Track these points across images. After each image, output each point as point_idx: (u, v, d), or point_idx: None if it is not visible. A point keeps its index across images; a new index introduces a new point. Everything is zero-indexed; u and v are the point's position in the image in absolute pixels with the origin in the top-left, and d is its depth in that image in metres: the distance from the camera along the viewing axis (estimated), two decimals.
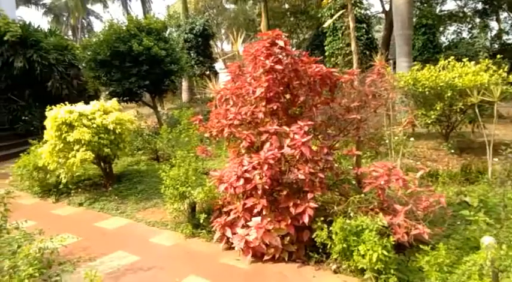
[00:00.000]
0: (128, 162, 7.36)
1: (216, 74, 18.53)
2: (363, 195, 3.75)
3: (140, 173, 6.87)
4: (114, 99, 6.52)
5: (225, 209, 4.28)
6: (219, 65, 21.78)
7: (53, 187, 6.14)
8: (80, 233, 4.64)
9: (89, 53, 9.97)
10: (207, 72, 17.05)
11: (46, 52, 10.14)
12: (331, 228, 3.49)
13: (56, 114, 5.59)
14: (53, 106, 5.91)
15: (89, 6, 35.03)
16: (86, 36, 34.31)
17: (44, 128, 10.34)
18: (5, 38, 9.61)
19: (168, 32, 12.08)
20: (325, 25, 8.98)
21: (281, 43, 4.03)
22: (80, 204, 5.68)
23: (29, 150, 6.77)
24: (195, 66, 16.29)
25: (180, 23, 17.43)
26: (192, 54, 16.17)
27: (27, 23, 10.49)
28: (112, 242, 4.44)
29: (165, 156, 7.79)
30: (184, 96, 17.87)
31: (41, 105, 10.48)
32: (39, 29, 10.56)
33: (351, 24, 4.90)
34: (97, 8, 36.38)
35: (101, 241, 4.47)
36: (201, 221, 4.35)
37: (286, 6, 23.46)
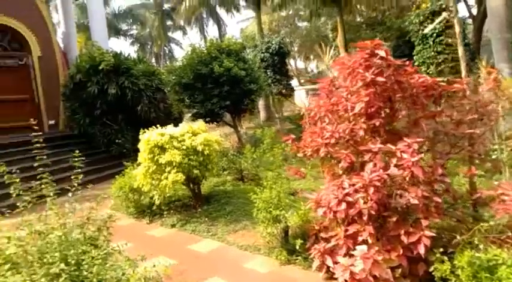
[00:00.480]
0: (214, 182, 7.34)
1: (292, 91, 18.41)
2: (491, 222, 3.20)
3: (227, 193, 6.79)
4: (201, 121, 6.57)
5: (322, 235, 3.95)
6: (294, 83, 21.68)
7: (147, 208, 6.28)
8: (175, 256, 4.58)
9: (173, 77, 10.37)
10: (284, 91, 16.98)
11: (136, 78, 10.71)
12: (454, 261, 2.99)
13: (148, 137, 5.73)
14: (145, 129, 6.07)
15: (169, 34, 37.27)
16: (168, 62, 36.45)
17: (135, 150, 10.94)
18: (100, 67, 10.34)
19: (246, 53, 12.26)
20: (426, 31, 8.45)
21: (382, 53, 3.67)
22: (173, 226, 5.70)
23: (124, 172, 7.03)
24: (272, 84, 16.28)
25: (256, 43, 17.65)
26: (268, 73, 16.21)
27: (119, 52, 11.20)
28: (206, 266, 4.31)
29: (249, 176, 7.68)
30: (262, 115, 17.92)
31: (132, 128, 11.06)
32: (129, 57, 11.25)
33: (457, 29, 4.38)
34: (177, 35, 38.60)
35: (196, 265, 4.36)
36: (297, 247, 4.05)
37: (360, 19, 22.85)
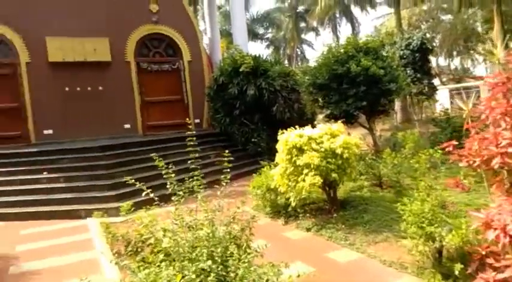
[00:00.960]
0: (350, 187, 6.95)
1: (434, 91, 16.69)
2: None
3: (364, 200, 6.34)
4: (340, 123, 6.24)
5: (491, 262, 3.27)
6: (435, 82, 19.67)
7: (282, 209, 6.24)
8: (312, 263, 4.38)
9: (308, 78, 10.24)
10: (425, 90, 15.48)
11: (272, 79, 10.92)
12: None
13: (286, 138, 5.65)
14: (283, 130, 6.02)
15: (302, 35, 37.57)
16: (299, 63, 36.82)
17: (269, 149, 11.17)
18: (241, 70, 10.82)
19: (384, 51, 11.47)
20: None
21: None
22: (308, 229, 5.52)
23: (260, 171, 7.13)
24: (412, 83, 14.96)
25: (395, 39, 16.46)
26: (408, 71, 14.94)
27: (257, 55, 11.55)
28: (347, 279, 4.00)
29: (388, 182, 7.07)
30: (398, 116, 16.68)
31: (267, 128, 11.33)
32: (267, 59, 11.53)
33: None
34: (309, 36, 38.73)
35: (335, 276, 4.09)
36: (456, 272, 3.46)
37: None
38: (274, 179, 5.84)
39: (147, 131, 12.57)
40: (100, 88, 11.70)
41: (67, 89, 11.32)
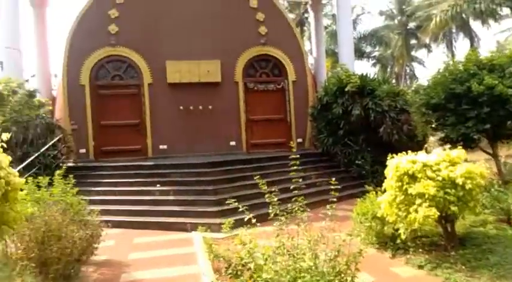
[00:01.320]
0: (471, 222, 6.07)
1: None
2: None
3: (489, 238, 5.47)
4: (460, 148, 5.52)
5: None
6: None
7: (390, 240, 5.70)
8: None
9: (420, 97, 9.44)
10: None
11: (380, 99, 10.34)
12: None
13: (397, 163, 5.17)
14: (393, 154, 5.54)
15: (412, 53, 35.47)
16: (408, 82, 34.72)
17: (373, 172, 10.53)
18: (346, 89, 10.47)
19: None
20: None
21: None
22: (420, 267, 4.92)
23: (366, 196, 6.67)
24: None
25: None
26: None
27: (364, 74, 11.08)
28: None
29: None
30: None
31: (371, 150, 10.72)
32: (374, 78, 10.98)
33: None
34: (420, 54, 36.32)
35: None
36: None
37: None
38: (381, 207, 5.37)
39: (251, 149, 12.85)
40: (210, 107, 12.36)
41: (181, 107, 12.20)
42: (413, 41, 35.11)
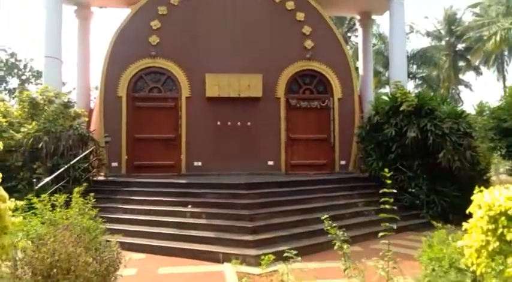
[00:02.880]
0: None
1: None
2: None
3: None
4: None
5: None
6: None
7: None
8: None
9: (491, 120, 8.16)
10: None
11: (440, 121, 9.08)
12: None
13: (492, 200, 3.98)
14: (482, 188, 4.34)
15: (460, 75, 33.47)
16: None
17: (428, 203, 9.20)
18: (401, 108, 9.29)
19: None
20: None
21: None
22: None
23: (432, 234, 5.47)
24: None
25: None
26: None
27: (421, 91, 9.85)
28: None
29: None
30: None
31: (427, 177, 9.41)
32: (433, 97, 9.70)
33: None
34: (467, 76, 34.14)
35: None
36: None
37: None
38: (465, 254, 4.17)
39: (290, 170, 11.84)
40: (248, 123, 11.52)
41: (219, 123, 11.43)
42: (461, 63, 33.17)
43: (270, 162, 11.73)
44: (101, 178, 10.22)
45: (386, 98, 10.26)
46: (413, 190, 9.45)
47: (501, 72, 35.01)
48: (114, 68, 11.42)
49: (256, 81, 11.48)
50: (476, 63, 32.66)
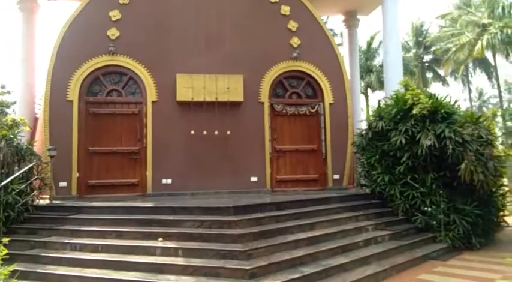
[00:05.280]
0: None
1: None
2: None
3: None
4: None
5: None
6: None
7: None
8: None
9: None
10: None
11: (460, 126, 7.65)
12: None
13: None
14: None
15: (428, 87, 33.42)
16: None
17: (446, 224, 7.69)
18: (414, 112, 7.79)
19: None
20: None
21: None
22: None
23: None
24: None
25: None
26: None
27: (435, 94, 8.41)
28: None
29: None
30: None
31: (445, 193, 7.93)
32: (449, 99, 8.25)
33: None
34: (435, 87, 34.13)
35: None
36: None
37: None
38: None
39: (276, 186, 10.07)
40: (228, 133, 9.64)
41: (192, 132, 9.46)
42: (428, 74, 33.19)
43: (254, 178, 9.89)
44: (43, 202, 7.97)
45: (389, 101, 8.76)
46: (428, 209, 7.93)
47: (466, 84, 35.35)
48: (64, 66, 9.24)
49: (236, 83, 9.68)
50: (442, 74, 32.79)
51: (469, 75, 34.91)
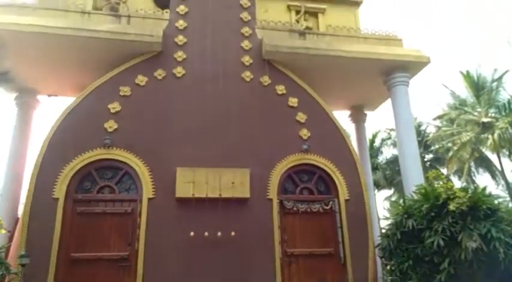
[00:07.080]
0: None
1: None
2: None
3: None
4: None
5: None
6: None
7: None
8: None
9: None
10: None
11: (508, 224, 6.48)
12: None
13: None
14: None
15: None
16: None
17: None
18: (450, 208, 6.68)
19: None
20: None
21: None
22: None
23: None
24: None
25: None
26: None
27: (474, 186, 7.40)
28: None
29: None
30: None
31: None
32: (490, 193, 7.20)
33: None
34: None
35: None
36: None
37: None
38: None
39: None
40: (232, 234, 8.38)
41: (192, 233, 8.20)
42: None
43: None
44: None
45: (416, 196, 7.71)
46: None
47: (470, 183, 34.58)
48: (53, 160, 8.38)
49: (242, 178, 8.73)
50: (445, 173, 32.21)
51: (472, 174, 34.37)
